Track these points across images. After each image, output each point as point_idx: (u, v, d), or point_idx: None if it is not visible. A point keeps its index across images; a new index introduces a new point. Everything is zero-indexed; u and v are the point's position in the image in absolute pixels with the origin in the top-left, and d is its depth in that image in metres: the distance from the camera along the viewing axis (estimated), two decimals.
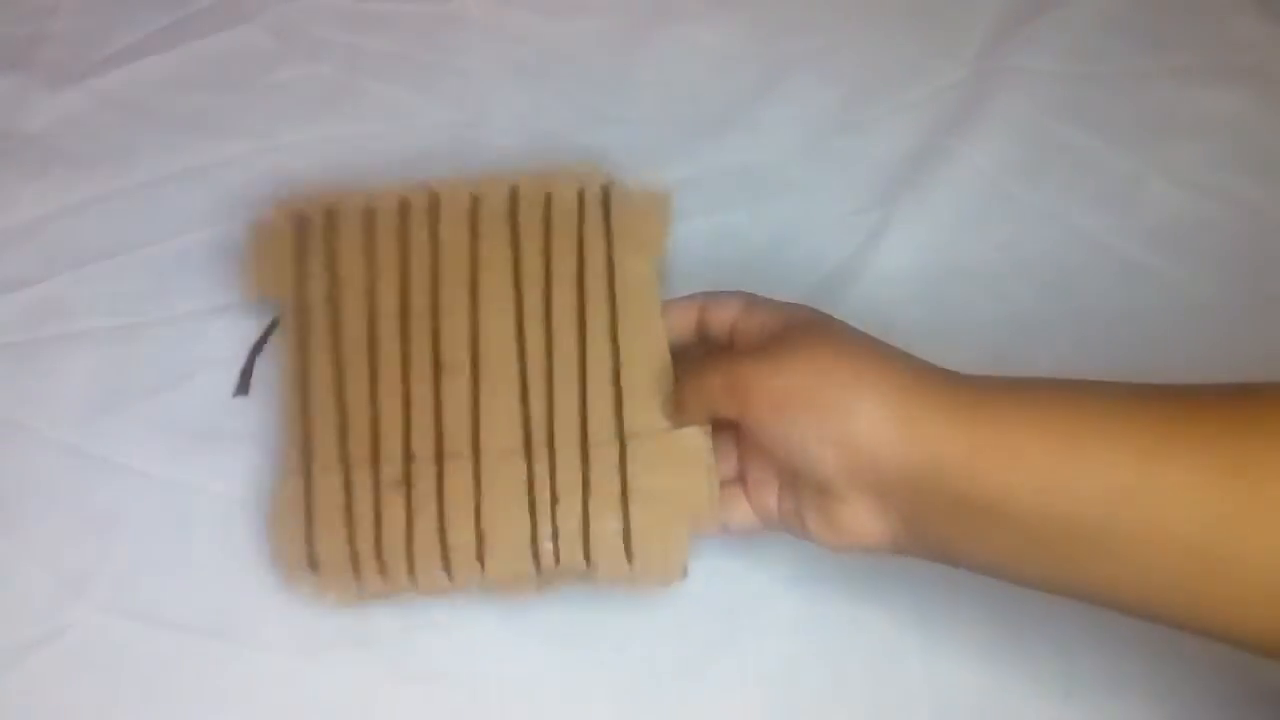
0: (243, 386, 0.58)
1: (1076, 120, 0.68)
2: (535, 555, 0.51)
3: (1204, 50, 0.71)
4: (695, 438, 0.50)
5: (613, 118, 0.67)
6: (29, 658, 0.52)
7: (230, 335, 0.59)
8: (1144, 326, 0.62)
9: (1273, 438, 0.37)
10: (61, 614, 0.53)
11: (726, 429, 0.51)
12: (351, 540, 0.51)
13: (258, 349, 0.58)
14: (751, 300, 0.51)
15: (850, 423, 0.42)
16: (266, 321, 0.58)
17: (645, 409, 0.51)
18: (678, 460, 0.50)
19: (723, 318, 0.51)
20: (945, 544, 0.43)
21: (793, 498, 0.48)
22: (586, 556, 0.50)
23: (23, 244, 0.61)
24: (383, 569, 0.51)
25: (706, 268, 0.62)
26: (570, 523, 0.50)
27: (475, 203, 0.55)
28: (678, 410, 0.50)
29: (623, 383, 0.52)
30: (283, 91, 0.67)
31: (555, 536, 0.50)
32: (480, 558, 0.51)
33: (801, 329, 0.46)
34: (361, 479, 0.52)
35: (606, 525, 0.50)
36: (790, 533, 0.49)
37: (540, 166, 0.57)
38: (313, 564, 0.52)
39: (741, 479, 0.51)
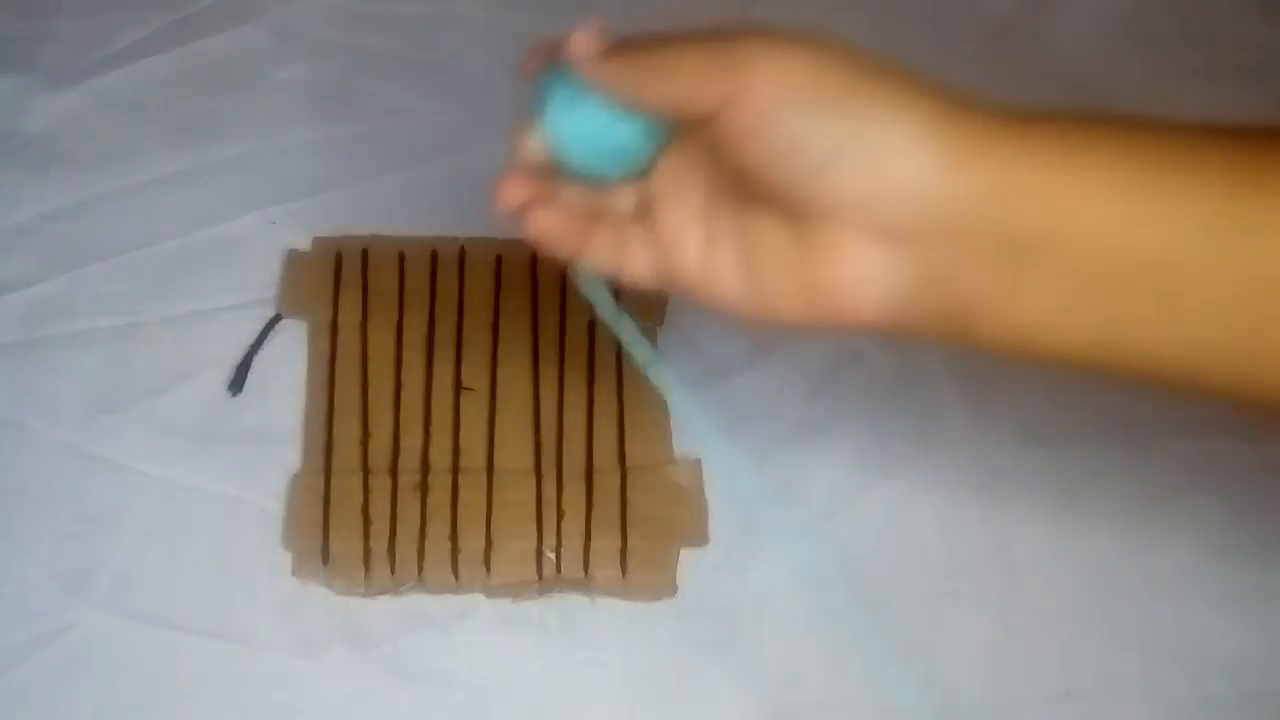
0: (238, 383, 0.58)
1: None
2: (539, 564, 0.54)
3: (1204, 50, 0.71)
4: (691, 472, 0.56)
5: None
6: (29, 658, 0.52)
7: (230, 335, 0.59)
8: None
9: None
10: (61, 614, 0.53)
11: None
12: (365, 537, 0.54)
13: (256, 347, 0.58)
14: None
15: (888, 138, 0.33)
16: (265, 322, 0.59)
17: (646, 444, 0.57)
18: (674, 491, 0.56)
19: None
20: (971, 302, 0.35)
21: (737, 246, 0.37)
22: (585, 569, 0.54)
23: (23, 244, 0.61)
24: (393, 566, 0.54)
25: None
26: (573, 538, 0.55)
27: (499, 260, 0.61)
28: (626, 82, 0.38)
29: (626, 420, 0.57)
30: (283, 91, 0.67)
31: (558, 549, 0.54)
32: (487, 563, 0.54)
33: (779, 33, 0.35)
34: (380, 484, 0.55)
35: (606, 543, 0.55)
36: (708, 299, 0.38)
37: None
38: (324, 556, 0.54)
39: (649, 216, 0.39)
